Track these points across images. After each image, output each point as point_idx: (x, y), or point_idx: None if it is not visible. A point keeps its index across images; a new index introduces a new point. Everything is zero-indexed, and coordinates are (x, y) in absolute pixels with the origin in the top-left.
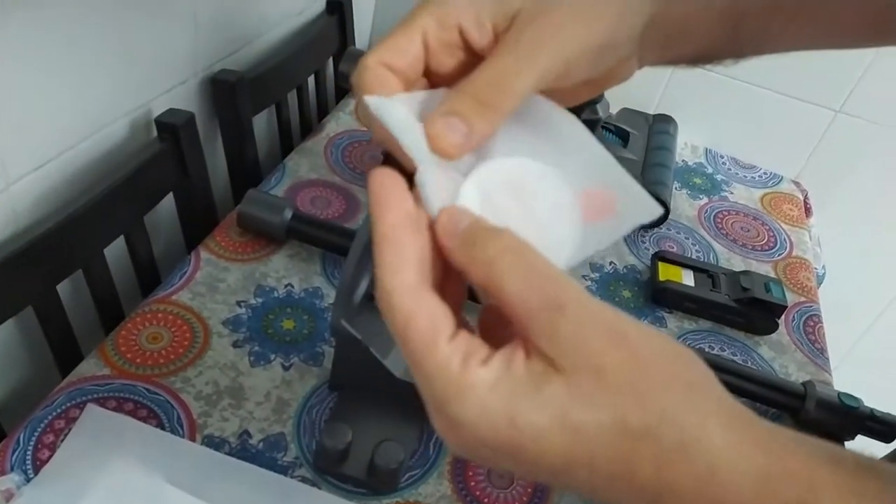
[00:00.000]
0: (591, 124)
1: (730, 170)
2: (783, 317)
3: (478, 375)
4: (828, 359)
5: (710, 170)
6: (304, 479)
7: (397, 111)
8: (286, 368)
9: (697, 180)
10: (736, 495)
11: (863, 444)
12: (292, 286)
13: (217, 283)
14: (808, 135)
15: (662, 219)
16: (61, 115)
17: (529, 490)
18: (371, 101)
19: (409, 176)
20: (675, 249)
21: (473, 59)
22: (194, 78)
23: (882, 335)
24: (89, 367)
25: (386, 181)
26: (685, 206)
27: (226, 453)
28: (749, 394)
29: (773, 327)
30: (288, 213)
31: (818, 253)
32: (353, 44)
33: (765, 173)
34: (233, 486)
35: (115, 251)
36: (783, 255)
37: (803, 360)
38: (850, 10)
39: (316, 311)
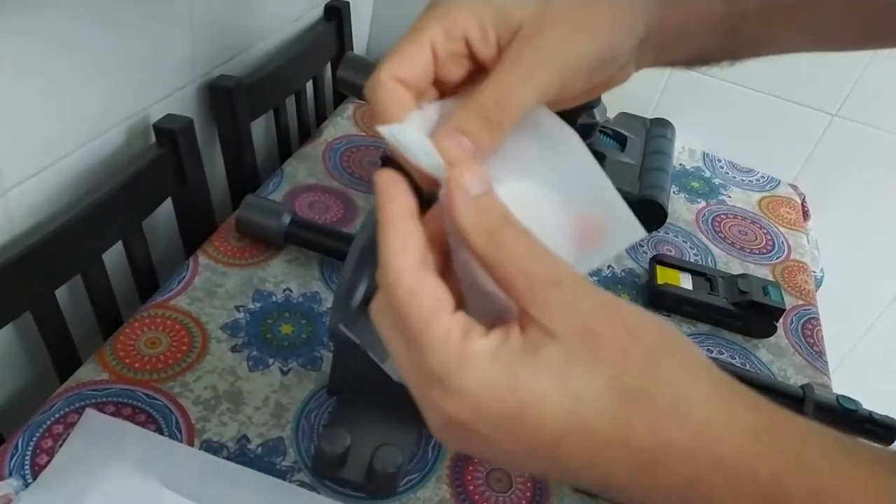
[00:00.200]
0: (589, 128)
1: (727, 173)
2: (781, 320)
3: (479, 344)
4: (826, 361)
5: (707, 174)
6: (302, 484)
7: (411, 136)
8: (284, 373)
9: (695, 184)
10: (730, 450)
11: None
12: (291, 291)
13: (215, 287)
14: (806, 138)
15: (660, 222)
16: (59, 120)
17: (528, 494)
18: (385, 131)
19: (413, 185)
20: (673, 253)
21: (478, 68)
22: (192, 84)
23: (880, 337)
24: (88, 373)
25: (391, 178)
26: (683, 209)
27: (224, 458)
28: None
29: (772, 330)
30: (286, 218)
31: (816, 256)
32: (351, 49)
33: (762, 177)
34: (231, 490)
35: (114, 256)
36: (781, 258)
37: (802, 363)
38: (848, 12)
39: (314, 315)
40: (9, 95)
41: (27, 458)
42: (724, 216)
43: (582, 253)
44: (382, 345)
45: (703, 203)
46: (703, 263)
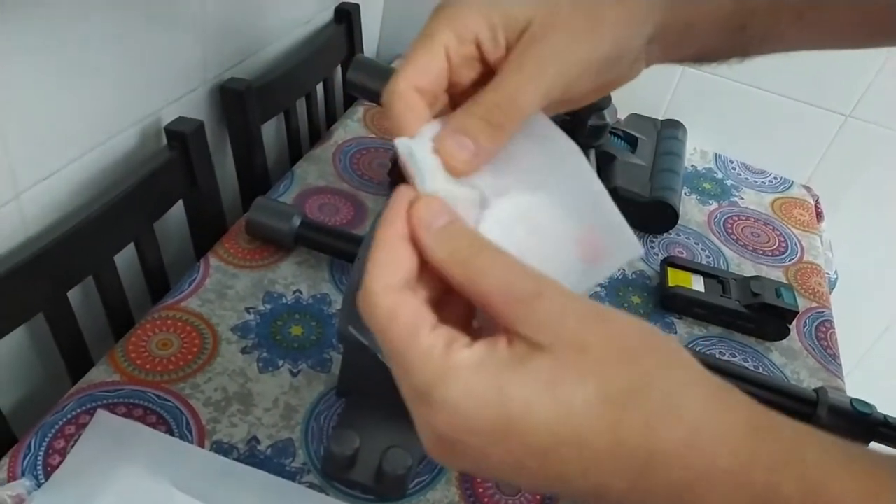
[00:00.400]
0: (599, 130)
1: (740, 175)
2: (795, 322)
3: (462, 356)
4: (840, 364)
5: (719, 175)
6: (311, 486)
7: (422, 153)
8: (294, 375)
9: (707, 185)
10: (723, 452)
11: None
12: (300, 293)
13: (226, 289)
14: (819, 139)
15: (671, 224)
16: (71, 123)
17: (538, 498)
18: (401, 145)
19: None
20: (684, 255)
21: (489, 71)
22: (203, 86)
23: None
24: (99, 374)
25: (401, 199)
26: (695, 211)
27: (234, 459)
28: (760, 400)
29: (785, 333)
30: (296, 220)
31: (830, 258)
32: (361, 51)
33: (775, 178)
34: (241, 492)
35: (125, 258)
36: (794, 260)
37: (815, 365)
38: (852, 10)
39: (324, 317)
40: (21, 99)
41: (39, 458)
42: (736, 218)
43: (584, 266)
44: None
45: (715, 204)
46: (715, 265)
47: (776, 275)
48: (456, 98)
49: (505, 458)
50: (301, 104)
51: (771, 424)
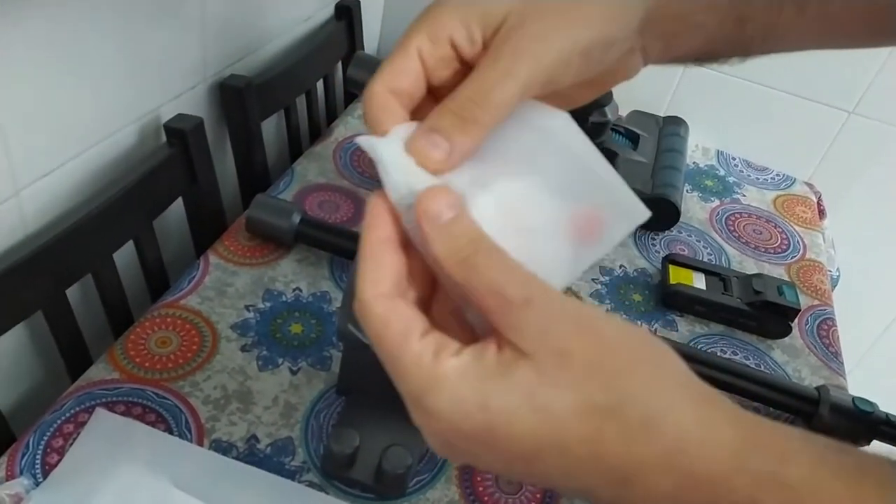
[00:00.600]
0: (600, 126)
1: (742, 172)
2: (796, 320)
3: (449, 364)
4: (842, 363)
5: (721, 172)
6: (311, 484)
7: (388, 150)
8: (294, 373)
9: (709, 182)
10: (707, 468)
11: (878, 450)
12: (300, 290)
13: (225, 287)
14: (821, 136)
15: (673, 222)
16: (71, 121)
17: (538, 496)
18: (364, 142)
19: None
20: (686, 252)
21: (468, 70)
22: (203, 83)
23: None
24: (98, 372)
25: (379, 204)
26: (696, 208)
27: (233, 458)
28: (762, 398)
29: (787, 331)
30: (296, 218)
31: (832, 255)
32: (362, 48)
33: (777, 175)
34: (240, 490)
35: (125, 256)
36: (796, 257)
37: (817, 363)
38: (854, 7)
39: (324, 315)
40: (21, 96)
41: (38, 456)
42: (738, 215)
43: (581, 248)
44: None
45: (717, 202)
46: (717, 263)
47: (778, 272)
48: (441, 99)
49: (495, 460)
50: (301, 101)
51: (756, 438)
